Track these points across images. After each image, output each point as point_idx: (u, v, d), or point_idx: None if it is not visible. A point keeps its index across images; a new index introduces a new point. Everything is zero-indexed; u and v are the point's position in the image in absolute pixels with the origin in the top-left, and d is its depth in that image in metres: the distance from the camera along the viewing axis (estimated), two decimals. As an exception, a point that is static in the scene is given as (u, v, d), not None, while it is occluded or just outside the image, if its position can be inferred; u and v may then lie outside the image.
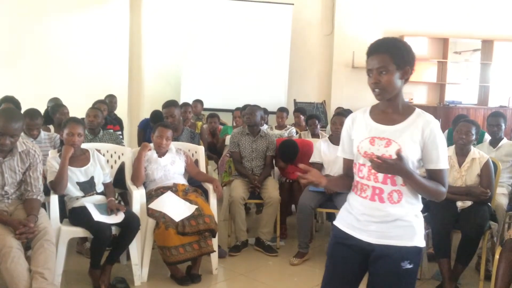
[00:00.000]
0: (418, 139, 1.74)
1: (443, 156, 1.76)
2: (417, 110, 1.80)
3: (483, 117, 7.68)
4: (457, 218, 3.32)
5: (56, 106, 4.64)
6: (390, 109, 1.80)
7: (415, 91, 8.21)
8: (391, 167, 1.67)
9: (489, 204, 3.41)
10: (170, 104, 4.28)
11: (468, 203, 3.32)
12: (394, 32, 7.81)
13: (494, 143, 4.07)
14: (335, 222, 1.93)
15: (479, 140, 4.32)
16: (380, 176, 1.75)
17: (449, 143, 4.60)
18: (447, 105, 8.03)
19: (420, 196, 1.82)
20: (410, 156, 1.72)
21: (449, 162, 3.49)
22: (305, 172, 1.86)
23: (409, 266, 1.74)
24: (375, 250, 1.78)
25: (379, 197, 1.76)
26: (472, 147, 3.52)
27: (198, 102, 6.34)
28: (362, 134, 1.83)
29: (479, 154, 3.46)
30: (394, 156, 1.68)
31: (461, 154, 3.48)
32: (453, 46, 8.28)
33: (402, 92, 1.81)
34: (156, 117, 4.79)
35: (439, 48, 8.18)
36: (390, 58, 1.72)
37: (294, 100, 7.51)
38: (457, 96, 8.32)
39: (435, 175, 1.77)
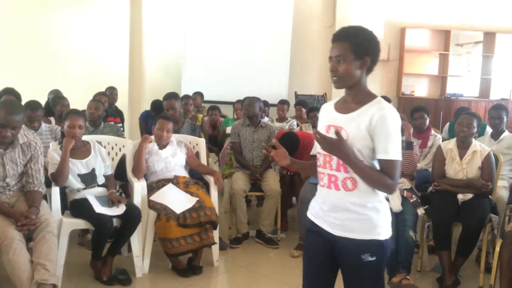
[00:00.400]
0: (366, 125, 1.71)
1: (392, 147, 1.70)
2: (377, 99, 1.76)
3: (484, 110, 7.66)
4: (457, 210, 3.32)
5: (56, 98, 4.63)
6: (349, 98, 1.81)
7: (416, 84, 8.19)
8: (331, 145, 1.69)
9: (490, 196, 3.41)
10: (171, 96, 4.27)
11: (469, 195, 3.33)
12: (396, 24, 7.79)
13: (496, 135, 4.06)
14: (307, 212, 1.96)
15: (480, 133, 4.32)
16: (334, 163, 1.76)
17: (451, 136, 4.61)
18: (448, 98, 8.01)
19: None
20: (356, 144, 1.71)
21: (450, 155, 3.49)
22: (274, 148, 1.93)
23: (370, 259, 1.74)
24: (337, 242, 1.79)
25: (335, 184, 1.77)
26: (473, 139, 3.52)
27: (198, 94, 6.32)
28: (322, 123, 1.87)
29: (480, 146, 3.45)
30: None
31: (462, 146, 3.48)
32: (455, 38, 8.24)
33: (365, 82, 1.79)
34: (157, 106, 4.78)
35: (440, 40, 8.15)
36: (349, 47, 1.72)
37: (295, 92, 7.49)
38: (459, 88, 8.29)
39: (384, 165, 1.72)
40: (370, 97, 1.77)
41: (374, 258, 1.75)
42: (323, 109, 1.94)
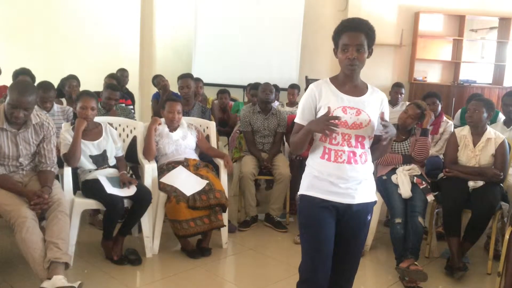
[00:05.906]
0: (378, 107, 2.03)
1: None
2: (369, 84, 2.07)
3: (497, 97, 7.55)
4: (468, 197, 3.31)
5: (65, 78, 4.62)
6: (351, 82, 2.01)
7: (429, 69, 8.08)
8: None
9: (501, 184, 3.39)
10: (187, 76, 4.40)
11: (480, 183, 3.31)
12: (409, 8, 7.66)
13: (508, 123, 4.00)
14: (306, 192, 2.04)
15: (493, 120, 4.27)
16: (353, 140, 1.97)
17: (462, 123, 4.56)
18: (461, 84, 7.90)
19: None
20: (375, 122, 2.00)
21: (464, 141, 3.46)
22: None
23: (369, 218, 2.08)
24: (351, 208, 2.00)
25: (354, 159, 1.98)
26: (488, 126, 3.48)
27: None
28: (333, 104, 1.97)
29: (495, 134, 3.42)
30: (366, 123, 1.96)
31: (477, 133, 3.44)
32: (470, 24, 8.08)
33: None
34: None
35: (455, 25, 8.00)
36: (365, 38, 1.94)
37: (306, 77, 7.43)
38: (472, 75, 8.16)
39: (379, 138, 2.01)
40: (364, 82, 2.06)
41: (370, 218, 2.09)
42: (322, 90, 2.01)
